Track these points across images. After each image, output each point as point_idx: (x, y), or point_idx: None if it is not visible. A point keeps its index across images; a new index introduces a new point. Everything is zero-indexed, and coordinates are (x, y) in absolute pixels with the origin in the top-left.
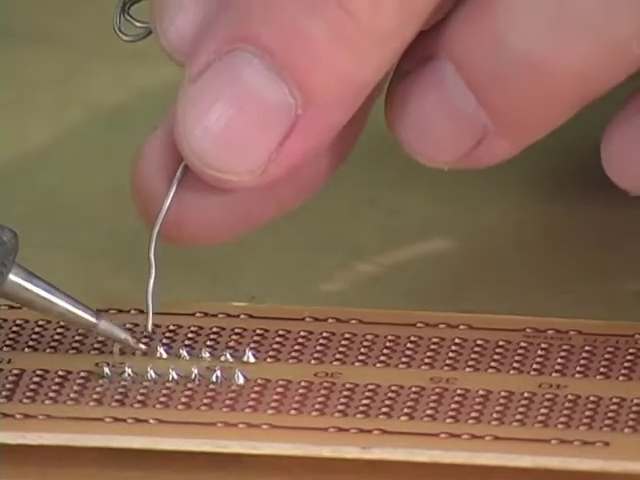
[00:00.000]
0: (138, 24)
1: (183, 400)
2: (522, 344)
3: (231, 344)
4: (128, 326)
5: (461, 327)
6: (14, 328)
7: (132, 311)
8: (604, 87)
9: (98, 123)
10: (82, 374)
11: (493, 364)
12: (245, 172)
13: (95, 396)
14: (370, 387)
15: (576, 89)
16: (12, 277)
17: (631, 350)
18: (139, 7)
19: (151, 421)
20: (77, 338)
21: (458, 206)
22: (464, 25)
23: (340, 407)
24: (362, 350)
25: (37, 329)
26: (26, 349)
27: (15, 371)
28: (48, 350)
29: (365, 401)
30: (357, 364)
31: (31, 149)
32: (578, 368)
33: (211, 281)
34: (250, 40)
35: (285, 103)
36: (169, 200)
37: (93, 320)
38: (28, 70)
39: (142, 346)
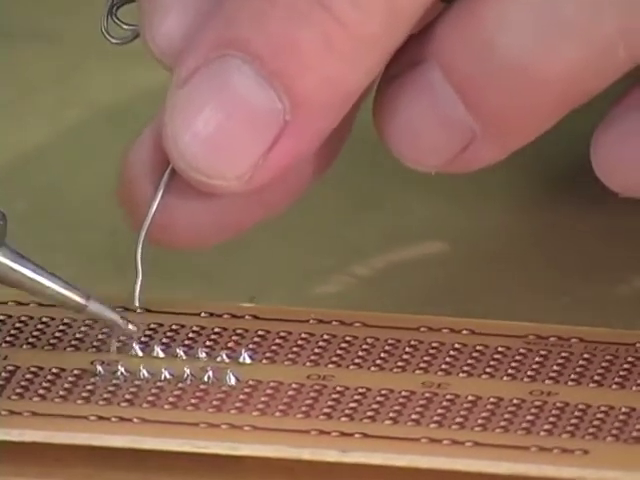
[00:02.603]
0: (126, 27)
1: (171, 400)
2: (521, 350)
3: (230, 345)
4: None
5: (464, 332)
6: (17, 324)
7: (138, 310)
8: (591, 92)
9: (98, 122)
10: (75, 372)
11: (488, 370)
12: (233, 177)
13: (84, 394)
14: (360, 390)
15: (563, 94)
16: (0, 258)
17: (629, 359)
18: (127, 9)
19: (135, 420)
20: (77, 336)
21: (459, 208)
22: (452, 30)
23: (326, 410)
24: (360, 353)
25: (40, 326)
26: (25, 346)
27: (9, 367)
28: (46, 347)
29: (352, 404)
30: (352, 367)
31: (31, 149)
32: (572, 376)
33: (211, 281)
34: (239, 46)
35: (273, 109)
36: (156, 204)
37: (82, 302)
38: (28, 70)
39: (132, 327)
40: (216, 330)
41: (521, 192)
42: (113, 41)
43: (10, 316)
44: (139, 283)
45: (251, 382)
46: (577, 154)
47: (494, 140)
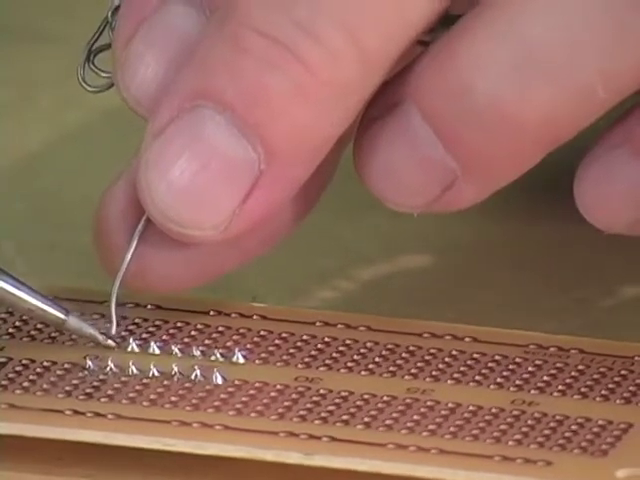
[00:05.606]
0: (103, 74)
1: (152, 397)
2: (517, 360)
3: (228, 344)
4: (137, 321)
5: (466, 339)
6: (24, 316)
7: (149, 306)
8: (571, 131)
9: (98, 123)
10: (66, 366)
11: (478, 378)
12: (209, 227)
13: (67, 388)
14: (342, 394)
15: (543, 134)
16: None
17: (622, 372)
18: (104, 57)
19: (109, 416)
20: None
21: (459, 213)
22: (430, 72)
23: (302, 412)
24: (355, 357)
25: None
26: (25, 338)
27: (2, 359)
28: (46, 341)
29: (330, 407)
30: (343, 371)
31: (31, 149)
32: (560, 387)
33: (213, 282)
34: (212, 96)
35: (248, 159)
36: (130, 253)
37: (62, 317)
38: (28, 70)
39: (111, 342)
40: (220, 329)
41: (514, 202)
42: (90, 89)
43: None
44: (114, 330)
45: (237, 382)
46: (567, 163)
47: (475, 180)
